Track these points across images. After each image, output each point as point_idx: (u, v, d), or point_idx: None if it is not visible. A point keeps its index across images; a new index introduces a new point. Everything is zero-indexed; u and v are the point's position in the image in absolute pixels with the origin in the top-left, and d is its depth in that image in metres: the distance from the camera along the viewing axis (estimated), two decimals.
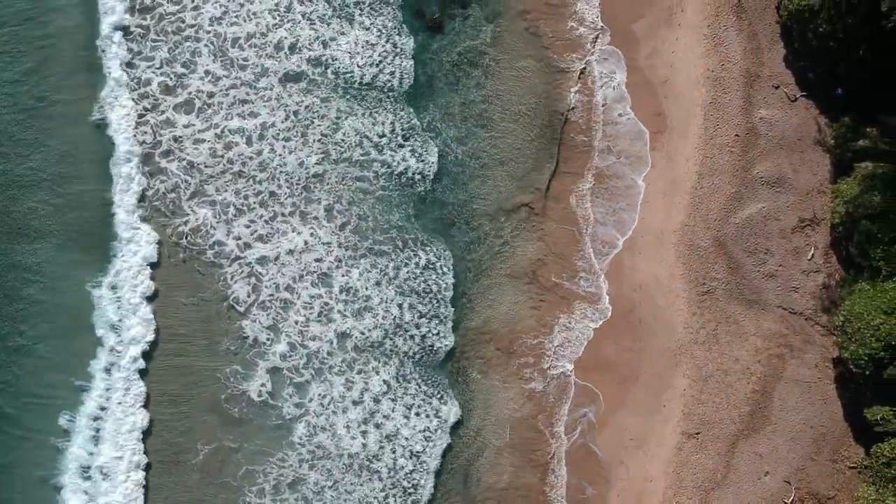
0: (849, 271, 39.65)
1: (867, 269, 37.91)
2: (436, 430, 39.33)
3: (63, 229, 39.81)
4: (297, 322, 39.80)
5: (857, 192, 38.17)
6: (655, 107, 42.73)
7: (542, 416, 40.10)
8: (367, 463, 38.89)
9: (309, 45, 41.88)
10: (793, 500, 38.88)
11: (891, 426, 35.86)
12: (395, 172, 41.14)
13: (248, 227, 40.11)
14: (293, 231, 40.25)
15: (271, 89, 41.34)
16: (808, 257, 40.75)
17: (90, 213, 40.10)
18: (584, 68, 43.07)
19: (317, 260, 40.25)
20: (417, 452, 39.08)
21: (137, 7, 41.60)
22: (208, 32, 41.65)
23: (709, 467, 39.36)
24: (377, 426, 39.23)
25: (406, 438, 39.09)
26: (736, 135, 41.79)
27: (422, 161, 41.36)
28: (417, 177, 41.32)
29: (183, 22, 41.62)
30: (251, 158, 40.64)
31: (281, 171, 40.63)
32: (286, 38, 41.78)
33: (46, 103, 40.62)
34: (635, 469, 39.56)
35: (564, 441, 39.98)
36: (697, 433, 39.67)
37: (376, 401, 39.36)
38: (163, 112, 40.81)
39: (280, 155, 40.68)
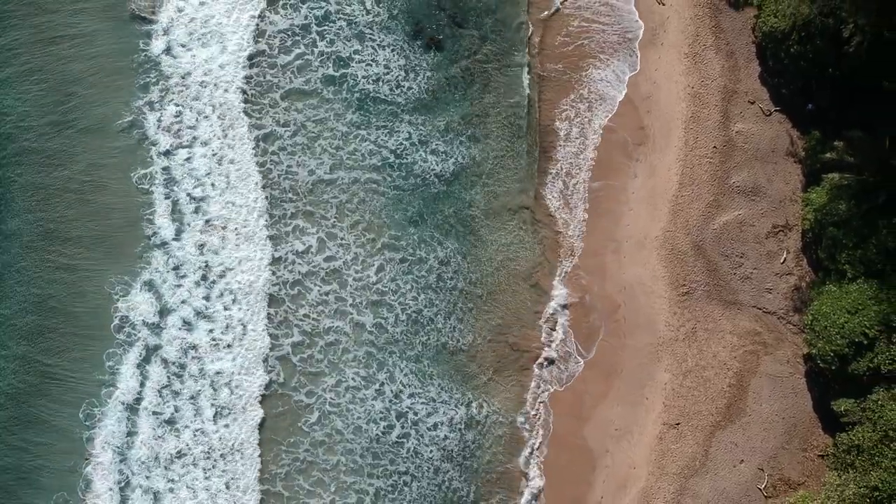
0: (818, 274, 40.32)
1: (834, 272, 38.58)
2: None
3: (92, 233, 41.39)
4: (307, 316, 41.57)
5: (825, 201, 38.89)
6: (639, 121, 43.44)
7: (532, 409, 41.48)
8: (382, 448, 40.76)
9: (322, 63, 43.55)
10: (766, 485, 39.70)
11: (855, 417, 36.63)
12: (412, 174, 42.48)
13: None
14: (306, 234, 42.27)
15: (276, 105, 42.98)
16: (781, 261, 41.58)
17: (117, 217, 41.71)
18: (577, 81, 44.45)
19: (328, 259, 42.05)
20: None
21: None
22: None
23: (688, 455, 40.30)
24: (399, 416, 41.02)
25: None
26: (714, 147, 42.60)
27: (442, 162, 42.72)
28: (433, 178, 42.66)
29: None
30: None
31: (289, 179, 42.48)
32: (303, 53, 43.45)
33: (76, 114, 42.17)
34: (619, 457, 40.67)
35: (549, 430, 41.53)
36: (678, 424, 40.72)
37: (396, 395, 41.09)
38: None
39: (289, 165, 42.54)
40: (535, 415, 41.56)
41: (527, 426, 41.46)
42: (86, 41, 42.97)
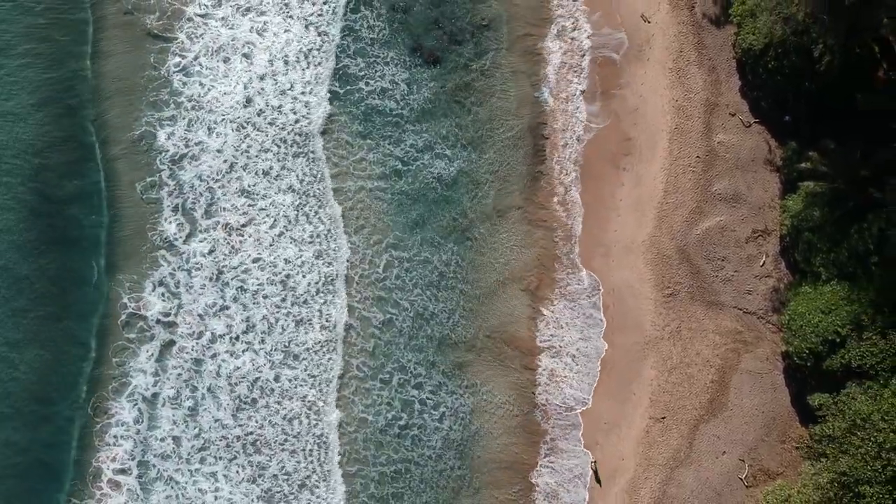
0: (795, 276, 41.62)
1: (809, 274, 39.88)
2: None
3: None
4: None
5: (801, 208, 40.08)
6: (626, 132, 44.65)
7: (535, 405, 43.35)
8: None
9: (331, 81, 45.30)
10: (746, 475, 41.19)
11: (829, 411, 37.60)
12: (416, 180, 44.33)
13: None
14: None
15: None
16: (760, 264, 42.90)
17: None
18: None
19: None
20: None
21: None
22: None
23: (673, 447, 41.83)
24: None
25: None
26: (697, 156, 43.81)
27: (442, 169, 44.44)
28: (434, 184, 44.48)
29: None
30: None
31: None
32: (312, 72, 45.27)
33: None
34: (609, 449, 42.34)
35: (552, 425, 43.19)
36: (663, 418, 42.22)
37: (406, 382, 43.22)
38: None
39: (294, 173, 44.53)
40: (546, 409, 43.30)
41: (540, 419, 43.33)
42: (102, 57, 44.71)
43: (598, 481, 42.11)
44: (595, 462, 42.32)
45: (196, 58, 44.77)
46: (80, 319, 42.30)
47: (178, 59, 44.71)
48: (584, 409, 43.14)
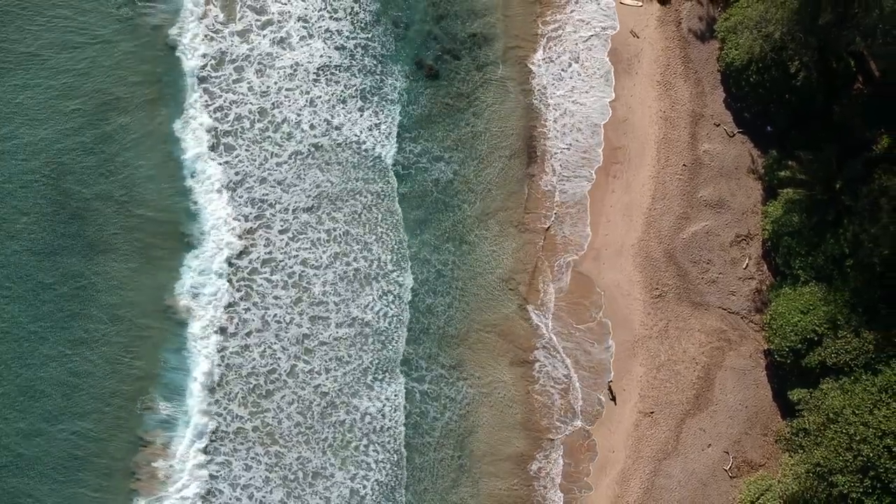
0: (776, 278, 43.16)
1: (789, 276, 41.55)
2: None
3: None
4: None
5: (782, 214, 41.71)
6: (616, 142, 46.21)
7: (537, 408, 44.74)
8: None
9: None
10: (730, 466, 42.82)
11: (807, 405, 39.37)
12: (417, 183, 46.10)
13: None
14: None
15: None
16: (744, 266, 44.47)
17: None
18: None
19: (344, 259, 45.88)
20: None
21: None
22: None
23: (661, 440, 43.41)
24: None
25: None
26: (684, 165, 45.30)
27: (440, 173, 46.14)
28: (431, 188, 46.07)
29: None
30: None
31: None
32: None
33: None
34: (600, 442, 43.97)
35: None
36: (652, 412, 43.73)
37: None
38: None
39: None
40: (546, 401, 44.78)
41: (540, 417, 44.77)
42: (121, 66, 46.09)
43: (613, 400, 44.08)
44: (611, 381, 44.00)
45: (206, 60, 46.31)
46: None
47: (194, 61, 46.21)
48: (592, 423, 44.73)
